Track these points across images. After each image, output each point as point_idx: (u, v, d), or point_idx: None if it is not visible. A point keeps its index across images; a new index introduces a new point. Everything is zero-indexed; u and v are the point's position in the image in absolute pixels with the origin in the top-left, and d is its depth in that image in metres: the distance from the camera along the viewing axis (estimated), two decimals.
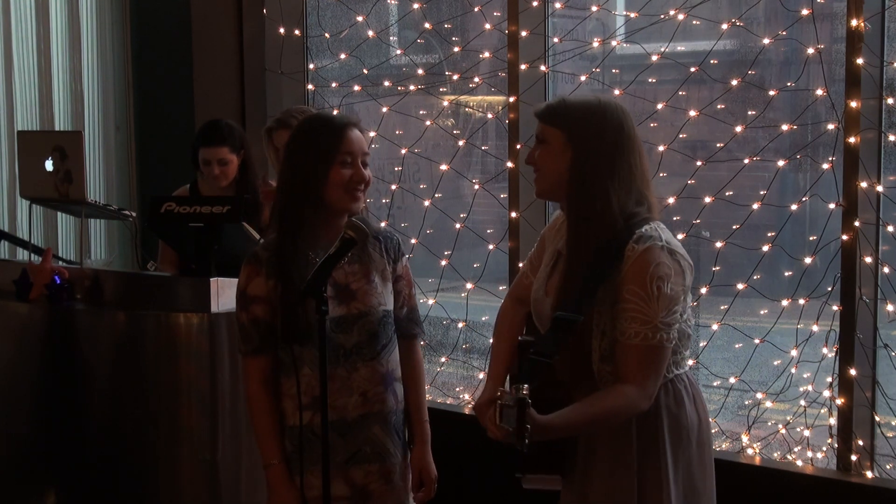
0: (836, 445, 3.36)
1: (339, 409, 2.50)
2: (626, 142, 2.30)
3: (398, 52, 4.67)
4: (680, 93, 3.71)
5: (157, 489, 3.44)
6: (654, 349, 2.23)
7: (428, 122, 4.42)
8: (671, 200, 3.64)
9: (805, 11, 3.42)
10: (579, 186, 2.28)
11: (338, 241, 2.33)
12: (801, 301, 3.47)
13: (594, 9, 3.86)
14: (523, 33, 3.95)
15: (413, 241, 4.39)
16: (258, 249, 2.52)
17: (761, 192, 3.54)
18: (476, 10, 4.21)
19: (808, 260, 3.44)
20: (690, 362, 2.41)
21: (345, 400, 2.51)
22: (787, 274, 3.60)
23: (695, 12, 3.61)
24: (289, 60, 4.83)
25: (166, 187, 4.00)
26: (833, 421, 3.38)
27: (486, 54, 4.20)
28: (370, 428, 2.54)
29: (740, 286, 3.57)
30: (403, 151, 4.47)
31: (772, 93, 3.55)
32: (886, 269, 3.29)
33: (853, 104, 3.21)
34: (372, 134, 4.38)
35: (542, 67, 3.99)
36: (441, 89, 4.46)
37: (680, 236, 3.54)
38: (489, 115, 4.33)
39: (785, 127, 3.53)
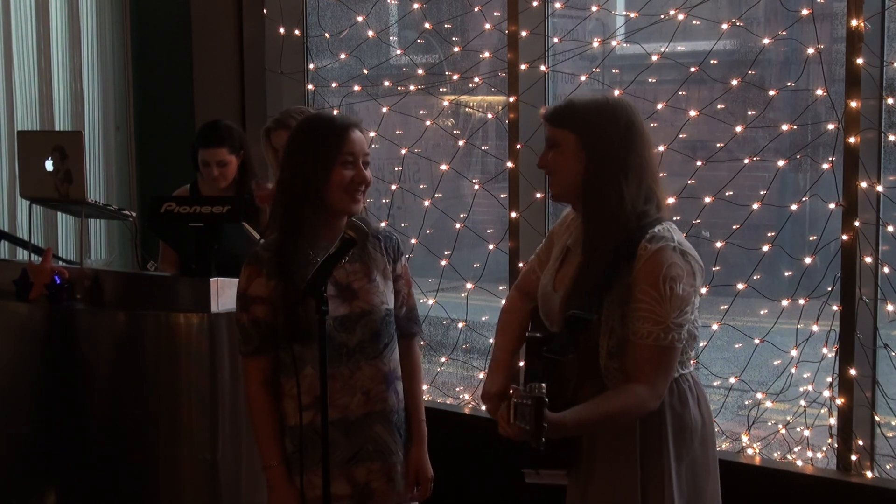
0: (836, 445, 3.36)
1: (341, 408, 2.50)
2: (638, 138, 2.31)
3: (398, 52, 4.67)
4: (680, 93, 3.71)
5: (157, 489, 3.44)
6: (666, 349, 2.24)
7: (428, 122, 4.42)
8: (671, 200, 3.64)
9: (805, 11, 3.42)
10: (595, 187, 2.29)
11: (338, 241, 2.33)
12: (801, 301, 3.47)
13: (594, 9, 3.86)
14: (523, 33, 3.95)
15: (413, 241, 4.39)
16: (259, 250, 2.52)
17: (761, 192, 3.54)
18: (476, 10, 4.21)
19: (808, 260, 3.44)
20: (692, 362, 2.41)
21: (348, 399, 2.51)
22: (787, 274, 3.60)
23: (695, 12, 3.61)
24: (289, 60, 4.83)
25: (166, 187, 4.00)
26: (833, 421, 3.38)
27: (486, 54, 4.20)
28: (373, 427, 2.54)
29: (740, 286, 3.57)
30: (403, 151, 4.47)
31: (772, 93, 3.55)
32: (886, 269, 3.29)
33: (853, 104, 3.21)
34: (372, 134, 4.38)
35: (542, 67, 3.99)
36: (441, 89, 4.46)
37: None
38: (489, 115, 4.33)
39: (785, 127, 3.53)
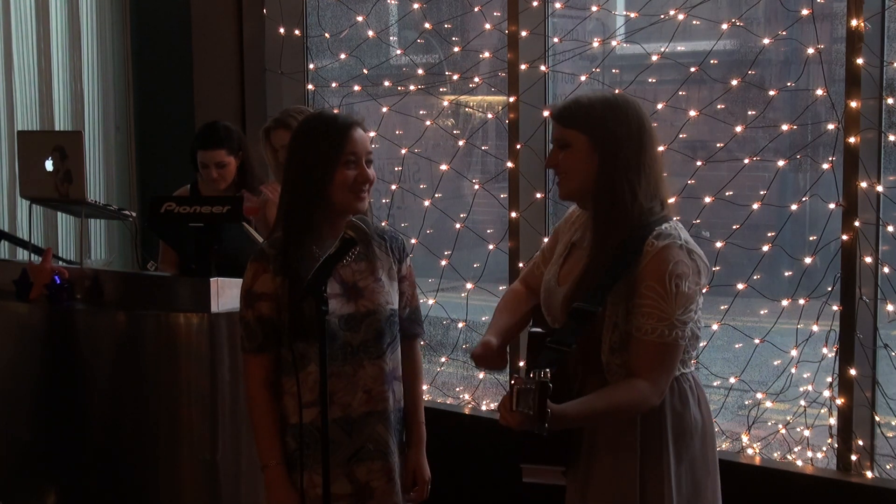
0: (836, 445, 3.36)
1: (344, 407, 2.50)
2: (647, 138, 2.31)
3: (398, 52, 4.67)
4: (680, 93, 3.71)
5: (157, 489, 3.44)
6: (669, 346, 2.24)
7: (428, 122, 4.42)
8: (671, 200, 3.64)
9: (805, 11, 3.42)
10: (608, 188, 2.28)
11: (338, 241, 2.33)
12: (801, 301, 3.47)
13: (594, 9, 3.86)
14: (523, 33, 3.95)
15: (413, 241, 4.39)
16: (265, 247, 2.52)
17: (761, 192, 3.54)
18: (476, 10, 4.21)
19: (808, 260, 3.44)
20: (693, 362, 2.41)
21: (350, 397, 2.51)
22: (787, 274, 3.60)
23: (695, 12, 3.61)
24: (289, 60, 4.83)
25: (166, 187, 4.00)
26: (833, 421, 3.38)
27: (486, 54, 4.20)
28: (373, 426, 2.54)
29: (740, 286, 3.57)
30: (403, 151, 4.47)
31: (772, 93, 3.55)
32: (886, 269, 3.29)
33: (853, 104, 3.21)
34: (372, 134, 4.37)
35: (542, 67, 3.99)
36: (441, 89, 4.46)
37: None
38: (489, 115, 4.33)
39: (785, 127, 3.53)
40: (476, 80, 4.25)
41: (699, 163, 3.66)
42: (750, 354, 3.59)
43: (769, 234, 3.53)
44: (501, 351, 2.44)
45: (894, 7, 3.25)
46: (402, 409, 2.62)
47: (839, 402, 3.33)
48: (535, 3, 3.94)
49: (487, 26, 4.17)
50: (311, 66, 4.84)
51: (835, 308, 3.34)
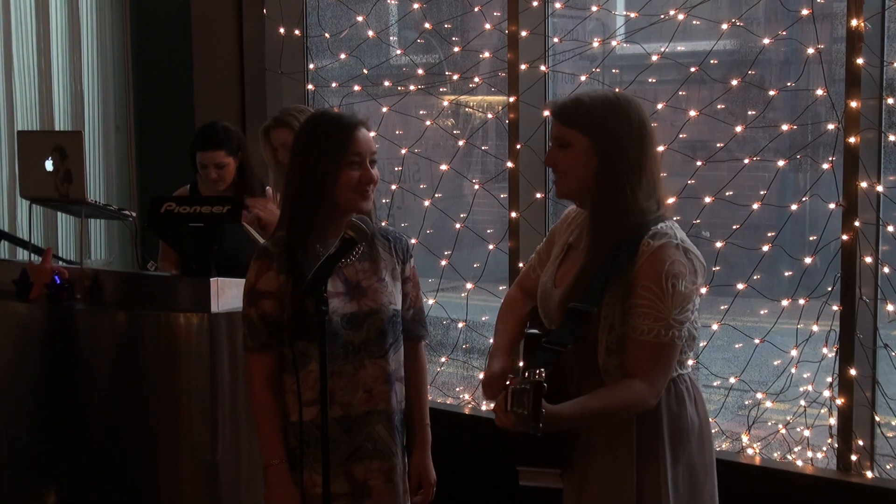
0: (836, 445, 3.36)
1: (345, 406, 2.50)
2: (647, 138, 2.30)
3: (398, 52, 4.67)
4: (680, 93, 3.71)
5: (157, 489, 3.44)
6: (666, 346, 2.23)
7: (428, 122, 4.42)
8: (671, 200, 3.64)
9: (805, 11, 3.42)
10: (607, 188, 2.27)
11: (338, 241, 2.33)
12: (801, 301, 3.47)
13: (594, 9, 3.86)
14: (523, 33, 3.95)
15: (413, 241, 4.39)
16: (268, 245, 2.52)
17: (761, 192, 3.54)
18: (476, 10, 4.21)
19: (808, 260, 3.44)
20: (690, 362, 2.41)
21: (351, 396, 2.51)
22: (787, 274, 3.60)
23: (695, 12, 3.61)
24: (289, 60, 4.83)
25: (166, 187, 4.00)
26: (833, 421, 3.38)
27: (486, 54, 4.20)
28: (374, 425, 2.54)
29: (740, 286, 3.57)
30: (403, 151, 4.47)
31: (772, 93, 3.55)
32: (886, 269, 3.29)
33: (853, 104, 3.21)
34: (372, 134, 4.37)
35: (542, 67, 3.99)
36: (441, 89, 4.46)
37: None
38: (489, 115, 4.33)
39: (785, 127, 3.53)
40: (476, 80, 4.25)
41: (699, 163, 3.66)
42: (750, 354, 3.59)
43: (769, 234, 3.53)
44: (506, 374, 2.43)
45: (894, 7, 3.25)
46: (404, 411, 2.62)
47: (839, 402, 3.33)
48: (535, 3, 3.94)
49: (487, 26, 4.17)
50: (311, 66, 4.84)
51: (835, 308, 3.34)
